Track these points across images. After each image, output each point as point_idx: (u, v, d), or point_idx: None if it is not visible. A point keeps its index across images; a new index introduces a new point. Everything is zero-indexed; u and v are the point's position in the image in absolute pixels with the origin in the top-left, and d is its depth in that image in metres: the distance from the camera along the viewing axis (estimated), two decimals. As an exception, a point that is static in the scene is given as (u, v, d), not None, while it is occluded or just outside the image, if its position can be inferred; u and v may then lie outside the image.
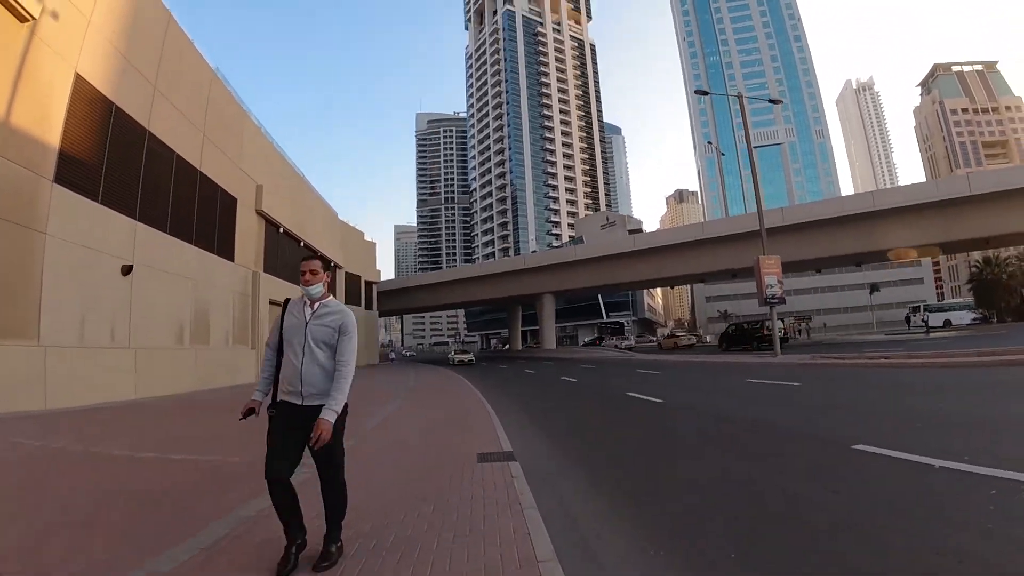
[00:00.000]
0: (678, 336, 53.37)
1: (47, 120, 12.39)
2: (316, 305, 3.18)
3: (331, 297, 3.29)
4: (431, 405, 12.13)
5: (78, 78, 13.20)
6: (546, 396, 14.08)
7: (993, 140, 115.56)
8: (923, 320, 40.65)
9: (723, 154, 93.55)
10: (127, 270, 15.10)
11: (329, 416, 2.93)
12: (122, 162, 15.12)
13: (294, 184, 32.30)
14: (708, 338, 76.84)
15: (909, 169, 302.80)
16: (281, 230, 28.04)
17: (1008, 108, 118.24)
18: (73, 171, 13.07)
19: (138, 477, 5.55)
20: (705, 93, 25.03)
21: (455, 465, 5.54)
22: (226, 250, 21.97)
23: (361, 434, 7.89)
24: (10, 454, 6.79)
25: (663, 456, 6.06)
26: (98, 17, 13.91)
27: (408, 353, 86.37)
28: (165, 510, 4.34)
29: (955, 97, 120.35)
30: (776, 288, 22.83)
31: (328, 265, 3.29)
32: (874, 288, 67.42)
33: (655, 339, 74.29)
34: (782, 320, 35.35)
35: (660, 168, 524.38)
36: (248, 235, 24.22)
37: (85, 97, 13.53)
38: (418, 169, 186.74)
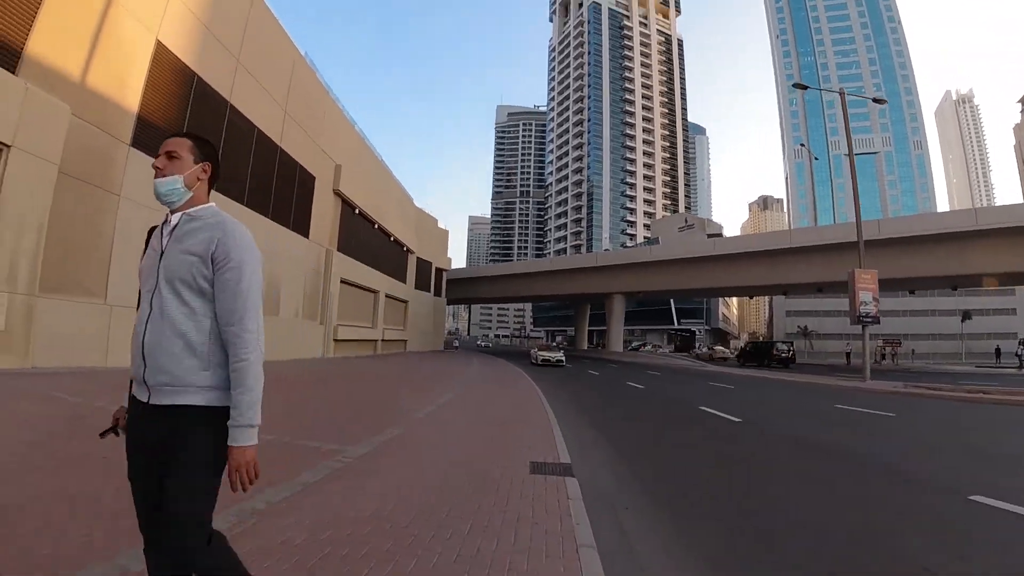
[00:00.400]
0: (714, 350, 62.05)
1: (126, 85, 12.52)
2: (176, 218, 1.72)
3: (209, 204, 1.76)
4: (486, 399, 11.23)
5: (159, 45, 13.31)
6: (612, 402, 12.86)
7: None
8: (1018, 354, 35.92)
9: (816, 158, 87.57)
10: (200, 238, 15.22)
11: (243, 439, 1.58)
12: (202, 131, 15.11)
13: (372, 167, 32.54)
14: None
15: (1008, 190, 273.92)
16: (357, 211, 28.23)
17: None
18: (151, 137, 13.19)
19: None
20: (805, 87, 22.73)
21: (504, 474, 4.65)
22: (302, 226, 22.17)
23: (409, 425, 7.25)
24: (46, 408, 6.56)
25: (748, 491, 4.87)
26: (184, -14, 13.99)
27: (483, 343, 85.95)
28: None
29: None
30: (871, 306, 20.42)
31: (204, 145, 1.65)
32: (966, 315, 61.00)
33: (694, 351, 76.36)
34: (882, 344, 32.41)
35: (744, 173, 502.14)
36: (324, 213, 24.43)
37: (166, 65, 13.65)
38: (496, 161, 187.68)
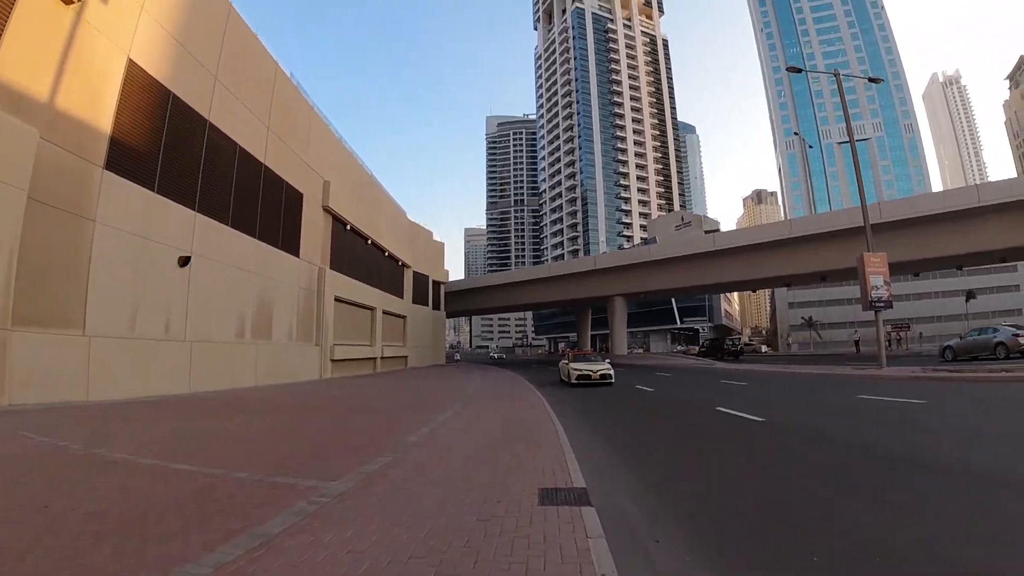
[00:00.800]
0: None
1: (98, 106, 12.03)
2: None
3: None
4: (488, 415, 10.54)
5: (131, 64, 12.84)
6: (623, 408, 12.20)
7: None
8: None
9: (811, 146, 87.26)
10: (184, 261, 14.71)
11: None
12: (180, 151, 14.77)
13: (362, 181, 32.09)
14: (794, 346, 71.90)
15: (1001, 167, 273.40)
16: (348, 227, 27.73)
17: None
18: (126, 158, 12.70)
19: (111, 493, 4.46)
20: (799, 70, 22.35)
21: (507, 508, 4.02)
22: (291, 245, 21.65)
23: (400, 449, 6.61)
24: (3, 448, 6.00)
25: (788, 507, 4.29)
26: (152, 3, 13.54)
27: (497, 355, 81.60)
28: (96, 553, 3.14)
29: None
30: (883, 290, 19.87)
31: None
32: (970, 295, 60.45)
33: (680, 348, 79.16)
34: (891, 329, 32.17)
35: (736, 168, 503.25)
36: (314, 231, 23.91)
37: (139, 84, 13.17)
38: (488, 172, 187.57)
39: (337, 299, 25.76)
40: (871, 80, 24.30)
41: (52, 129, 10.85)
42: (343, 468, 5.41)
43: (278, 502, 4.15)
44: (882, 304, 19.52)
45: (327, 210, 25.12)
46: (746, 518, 4.00)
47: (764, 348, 76.92)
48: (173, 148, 14.42)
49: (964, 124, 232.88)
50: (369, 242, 31.00)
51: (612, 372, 18.99)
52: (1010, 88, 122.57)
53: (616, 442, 7.63)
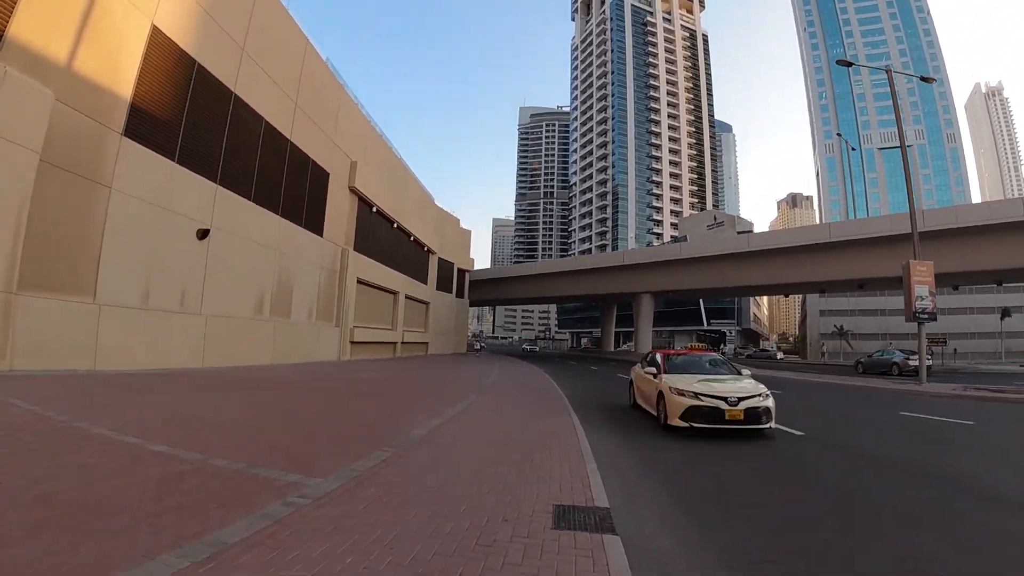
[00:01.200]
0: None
1: (118, 71, 11.73)
2: None
3: None
4: (503, 410, 9.89)
5: (155, 30, 12.53)
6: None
7: None
8: None
9: (853, 148, 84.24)
10: (203, 234, 14.46)
11: None
12: (203, 122, 14.48)
13: (391, 165, 31.74)
14: (825, 355, 69.70)
15: None
16: (375, 209, 27.41)
17: None
18: (146, 126, 12.42)
19: (72, 474, 4.03)
20: (849, 64, 21.07)
21: (514, 531, 3.39)
22: (315, 224, 21.37)
23: (402, 443, 6.04)
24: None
25: (848, 538, 3.64)
26: (182, -33, 13.21)
27: (529, 347, 77.78)
28: (21, 546, 2.67)
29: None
30: (928, 301, 18.69)
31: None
32: (1006, 313, 57.55)
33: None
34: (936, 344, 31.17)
35: (772, 170, 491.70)
36: (339, 211, 23.62)
37: (163, 51, 12.86)
38: (519, 163, 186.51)
39: (360, 281, 25.49)
40: (923, 79, 22.93)
41: (70, 92, 10.58)
42: (334, 462, 4.90)
43: (249, 501, 3.64)
44: (926, 316, 18.39)
45: (353, 191, 24.79)
46: (790, 541, 3.35)
47: (779, 355, 74.21)
48: (196, 118, 14.13)
49: (1005, 137, 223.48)
50: (395, 225, 30.65)
51: (768, 409, 7.94)
52: None
53: (643, 450, 6.93)
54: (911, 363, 26.22)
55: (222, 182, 15.25)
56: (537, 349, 71.33)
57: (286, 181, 18.93)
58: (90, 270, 11.15)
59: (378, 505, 3.81)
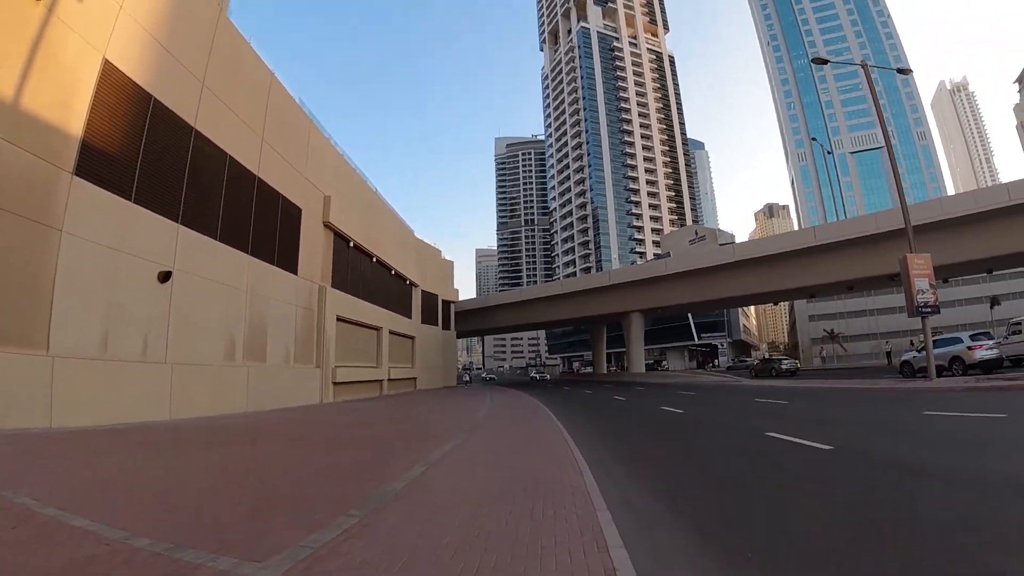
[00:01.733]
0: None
1: (69, 107, 11.12)
2: None
3: None
4: (493, 449, 8.89)
5: (107, 64, 11.97)
6: (656, 438, 10.19)
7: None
8: None
9: (829, 152, 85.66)
10: (165, 277, 13.67)
11: None
12: (162, 159, 13.84)
13: (366, 198, 31.23)
14: (816, 360, 69.40)
15: (1012, 172, 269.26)
16: (352, 244, 26.76)
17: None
18: (99, 164, 11.74)
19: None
20: (825, 62, 21.03)
21: None
22: (288, 262, 20.63)
23: (372, 504, 4.94)
24: None
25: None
26: (132, 3, 12.73)
27: (539, 375, 72.98)
28: None
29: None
30: (929, 294, 18.34)
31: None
32: (995, 301, 58.04)
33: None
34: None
35: (746, 183, 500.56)
36: (314, 248, 22.92)
37: (116, 86, 12.29)
38: (498, 193, 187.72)
39: (339, 318, 24.65)
40: (900, 71, 23.20)
41: (16, 130, 9.91)
42: (283, 537, 3.82)
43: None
44: (929, 309, 18.00)
45: (328, 226, 24.16)
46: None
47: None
48: (154, 155, 13.48)
49: (974, 130, 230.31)
50: (374, 260, 30.00)
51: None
52: (1020, 91, 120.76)
53: (658, 488, 6.04)
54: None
55: (184, 221, 14.52)
56: (548, 377, 66.30)
57: (255, 218, 18.25)
58: (42, 319, 10.30)
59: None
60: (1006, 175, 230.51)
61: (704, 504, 5.08)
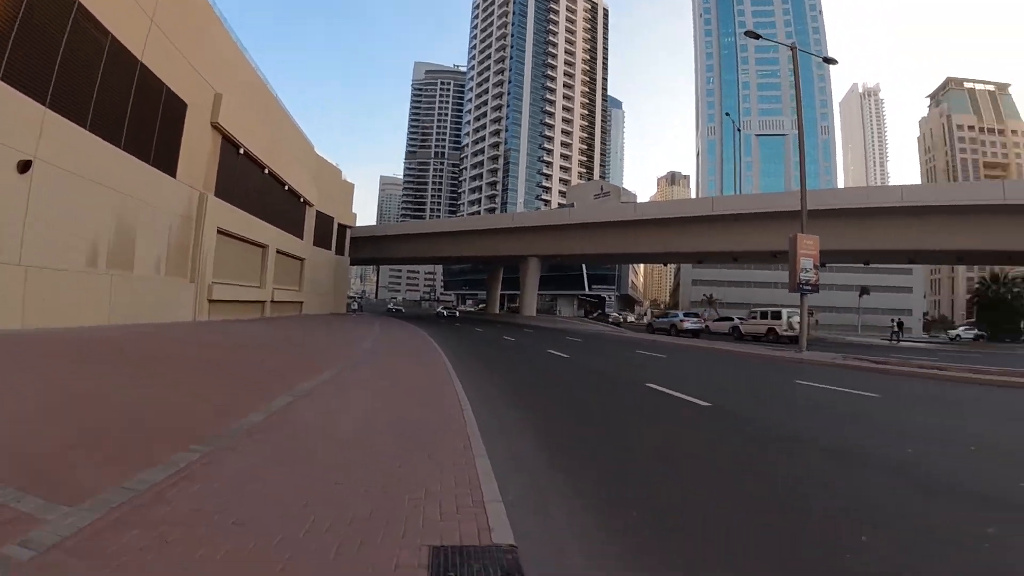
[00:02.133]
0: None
1: None
2: None
3: None
4: (370, 383, 8.68)
5: None
6: (540, 381, 10.94)
7: (995, 161, 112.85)
8: (893, 330, 37.54)
9: (739, 129, 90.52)
10: (24, 166, 12.02)
11: None
12: (36, 32, 11.90)
13: (264, 102, 28.82)
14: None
15: (902, 179, 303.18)
16: (242, 151, 24.71)
17: (1014, 132, 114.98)
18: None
19: None
20: (757, 36, 21.93)
21: None
22: (167, 163, 18.75)
23: (222, 439, 4.52)
24: None
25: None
26: None
27: (447, 312, 65.13)
28: None
29: (963, 113, 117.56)
30: (811, 273, 20.27)
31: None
32: (864, 291, 65.93)
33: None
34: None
35: (654, 149, 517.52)
36: (198, 150, 20.96)
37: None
38: (411, 120, 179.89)
39: (221, 231, 22.99)
40: (826, 60, 25.46)
41: None
42: (107, 474, 3.41)
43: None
44: (809, 288, 19.96)
45: (216, 127, 22.06)
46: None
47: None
48: (28, 26, 11.55)
49: (875, 135, 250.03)
50: (266, 171, 28.02)
51: None
52: (930, 106, 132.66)
53: (540, 428, 6.23)
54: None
55: (52, 105, 12.71)
56: (457, 315, 63.20)
57: (132, 109, 16.26)
58: None
59: (134, 564, 2.38)
60: (895, 182, 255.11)
61: (567, 443, 5.62)
